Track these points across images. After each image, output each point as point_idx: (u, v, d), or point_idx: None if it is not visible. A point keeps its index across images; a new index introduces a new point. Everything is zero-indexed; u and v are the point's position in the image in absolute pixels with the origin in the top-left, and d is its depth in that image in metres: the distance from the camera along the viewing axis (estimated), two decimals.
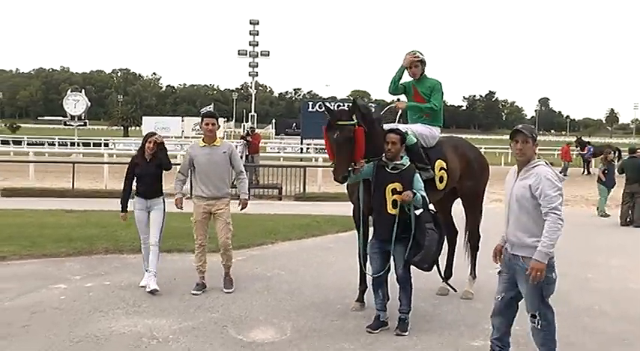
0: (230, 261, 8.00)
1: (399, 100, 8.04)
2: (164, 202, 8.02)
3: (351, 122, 6.48)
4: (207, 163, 7.74)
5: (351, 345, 6.08)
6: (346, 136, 6.42)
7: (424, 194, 6.36)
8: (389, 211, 6.35)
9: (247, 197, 8.10)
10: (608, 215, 16.19)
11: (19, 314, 6.83)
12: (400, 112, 7.62)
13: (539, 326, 5.22)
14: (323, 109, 7.30)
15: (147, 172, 7.93)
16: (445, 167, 7.33)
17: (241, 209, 7.95)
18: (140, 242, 8.17)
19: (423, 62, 7.55)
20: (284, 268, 9.14)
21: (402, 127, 7.03)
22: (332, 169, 6.64)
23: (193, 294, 7.66)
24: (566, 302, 7.13)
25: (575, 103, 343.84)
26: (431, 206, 6.51)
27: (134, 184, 8.02)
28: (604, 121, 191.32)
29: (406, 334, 6.35)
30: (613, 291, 8.48)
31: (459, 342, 6.22)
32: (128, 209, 8.01)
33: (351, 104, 6.80)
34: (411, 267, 6.43)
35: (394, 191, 6.31)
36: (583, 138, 39.70)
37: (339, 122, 6.47)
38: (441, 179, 7.28)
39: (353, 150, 6.46)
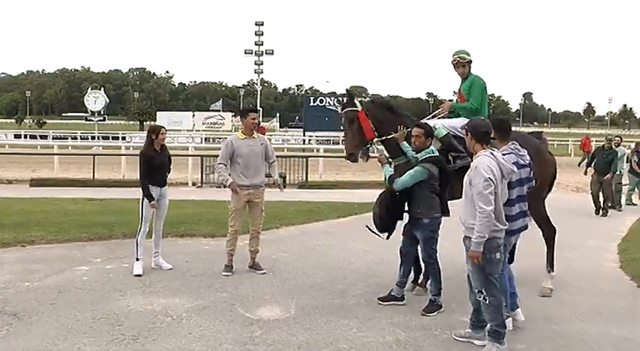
0: (259, 245, 8.00)
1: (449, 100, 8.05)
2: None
3: (354, 108, 7.02)
4: (249, 153, 7.67)
5: (350, 321, 6.07)
6: (349, 118, 7.01)
7: (401, 177, 6.39)
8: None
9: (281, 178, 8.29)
10: (635, 204, 15.95)
11: (48, 293, 6.86)
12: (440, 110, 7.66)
13: (487, 302, 5.30)
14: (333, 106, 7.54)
15: (161, 163, 7.88)
16: None
17: (283, 188, 8.04)
18: (141, 229, 7.89)
19: (469, 62, 7.44)
20: (288, 250, 9.14)
21: (433, 121, 7.16)
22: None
23: (225, 275, 7.64)
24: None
25: (555, 96, 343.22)
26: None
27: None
28: (582, 114, 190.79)
29: (431, 315, 6.28)
30: (590, 269, 8.50)
31: (451, 318, 6.21)
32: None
33: (348, 95, 7.28)
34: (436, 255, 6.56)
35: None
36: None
37: (345, 109, 7.06)
38: None
39: (359, 131, 6.96)
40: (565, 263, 8.53)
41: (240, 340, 5.58)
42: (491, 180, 5.13)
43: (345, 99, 7.22)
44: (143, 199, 7.87)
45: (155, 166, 7.85)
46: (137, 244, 7.85)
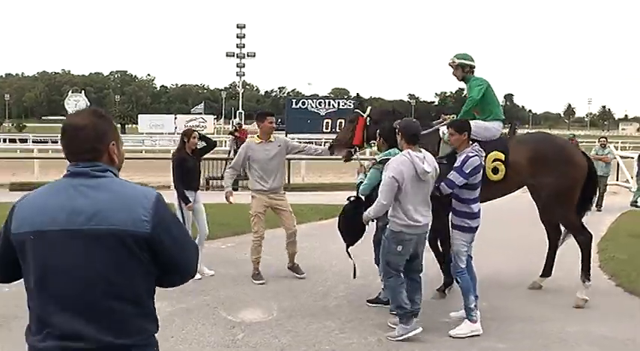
0: (296, 248, 7.89)
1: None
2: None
3: (360, 112, 7.47)
4: (265, 158, 7.55)
5: (332, 323, 6.11)
6: (351, 118, 7.52)
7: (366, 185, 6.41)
8: None
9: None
10: None
11: (15, 299, 6.73)
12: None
13: (385, 285, 6.02)
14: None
15: (194, 166, 7.76)
16: (502, 159, 6.89)
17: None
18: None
19: (461, 65, 7.24)
20: (270, 253, 9.08)
21: (444, 128, 6.96)
22: None
23: (260, 284, 7.49)
24: (530, 279, 7.22)
25: (536, 98, 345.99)
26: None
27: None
28: (562, 115, 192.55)
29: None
30: (569, 268, 8.55)
31: (432, 319, 6.24)
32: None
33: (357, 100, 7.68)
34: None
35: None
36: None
37: (354, 110, 7.59)
38: (495, 170, 6.88)
39: (352, 133, 7.30)
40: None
41: (223, 343, 5.58)
42: (395, 179, 5.48)
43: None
44: (180, 204, 7.63)
45: (188, 169, 7.69)
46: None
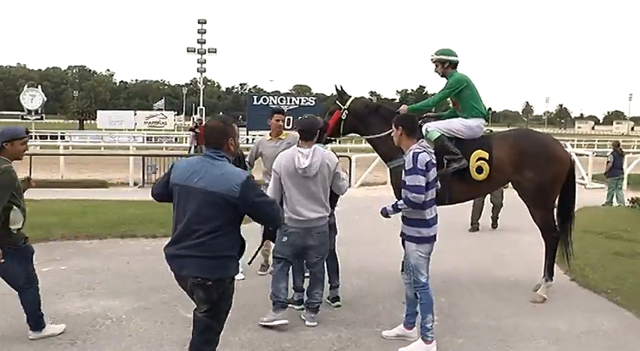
0: None
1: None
2: None
3: (339, 105, 7.25)
4: (272, 155, 7.31)
5: (291, 320, 6.05)
6: (330, 110, 7.39)
7: None
8: None
9: None
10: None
11: None
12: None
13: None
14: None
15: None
16: (486, 157, 6.86)
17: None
18: None
19: (440, 62, 7.17)
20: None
21: (427, 124, 7.04)
22: None
23: (261, 274, 7.65)
24: (488, 275, 7.31)
25: (495, 96, 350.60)
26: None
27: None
28: (521, 113, 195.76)
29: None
30: (525, 264, 8.73)
31: (392, 315, 6.28)
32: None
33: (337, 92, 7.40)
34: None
35: None
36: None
37: (337, 101, 7.30)
38: (480, 169, 6.86)
39: (327, 123, 7.07)
40: (501, 259, 8.78)
41: (181, 342, 5.48)
42: (275, 172, 5.82)
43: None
44: None
45: None
46: None
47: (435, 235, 5.46)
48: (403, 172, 5.40)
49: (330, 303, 6.55)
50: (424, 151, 5.36)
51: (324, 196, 5.82)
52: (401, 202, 5.37)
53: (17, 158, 5.40)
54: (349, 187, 7.34)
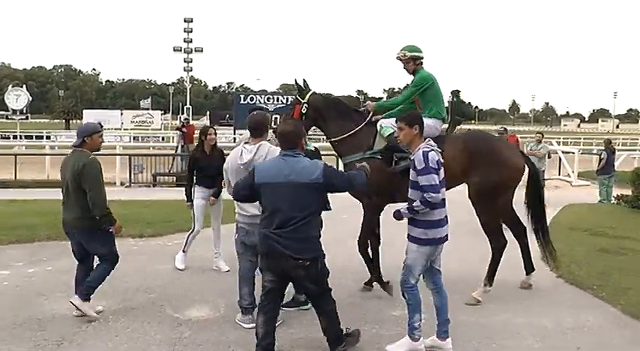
0: None
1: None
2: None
3: (300, 99, 7.14)
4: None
5: (280, 318, 6.06)
6: (292, 104, 7.36)
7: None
8: None
9: None
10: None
11: None
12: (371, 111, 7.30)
13: None
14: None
15: (208, 165, 7.85)
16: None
17: None
18: (193, 229, 8.08)
19: (412, 58, 7.03)
20: (222, 249, 8.99)
21: (382, 120, 6.96)
22: None
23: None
24: (477, 274, 7.31)
25: (482, 94, 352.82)
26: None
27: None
28: (507, 111, 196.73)
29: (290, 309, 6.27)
30: (512, 262, 8.75)
31: (383, 312, 6.31)
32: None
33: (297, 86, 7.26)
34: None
35: None
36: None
37: (298, 96, 7.21)
38: None
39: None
40: (487, 257, 8.76)
41: (169, 341, 5.51)
42: (226, 169, 5.92)
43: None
44: (193, 200, 8.06)
45: (201, 167, 7.93)
46: (186, 239, 8.12)
47: (442, 237, 5.29)
48: (412, 172, 5.25)
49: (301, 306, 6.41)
50: (432, 149, 5.26)
51: None
52: (416, 203, 5.16)
53: (97, 150, 6.17)
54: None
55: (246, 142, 5.91)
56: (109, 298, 6.66)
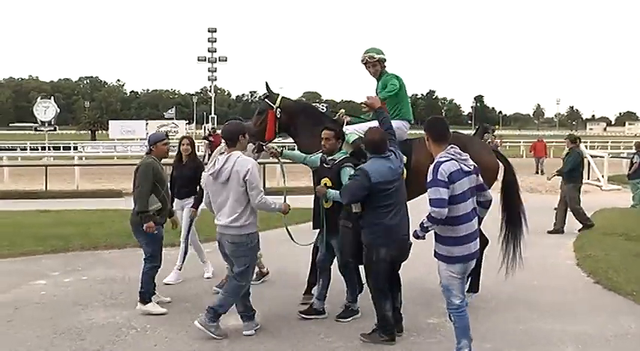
0: None
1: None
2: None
3: (269, 103, 6.88)
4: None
5: (316, 328, 6.07)
6: (260, 109, 7.00)
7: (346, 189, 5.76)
8: (323, 205, 6.24)
9: None
10: None
11: (4, 310, 6.65)
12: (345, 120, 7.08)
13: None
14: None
15: (181, 174, 7.85)
16: (404, 161, 6.36)
17: None
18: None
19: (379, 61, 6.96)
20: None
21: (346, 127, 6.77)
22: None
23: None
24: (511, 278, 7.20)
25: (506, 99, 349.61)
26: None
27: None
28: (531, 116, 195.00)
29: (346, 320, 6.23)
30: (548, 267, 8.68)
31: (419, 319, 6.26)
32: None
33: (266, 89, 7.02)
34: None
35: (326, 185, 6.08)
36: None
37: (263, 99, 6.99)
38: None
39: (262, 126, 6.88)
40: (523, 262, 8.66)
41: (209, 350, 5.50)
42: (203, 177, 6.08)
43: (266, 91, 7.03)
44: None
45: (174, 177, 7.92)
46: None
47: (471, 254, 4.95)
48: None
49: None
50: (451, 159, 4.91)
51: (238, 204, 5.64)
52: (424, 219, 4.91)
53: (164, 156, 6.89)
54: None
55: (222, 153, 5.90)
56: None
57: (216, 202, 5.79)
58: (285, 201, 6.30)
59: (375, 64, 6.98)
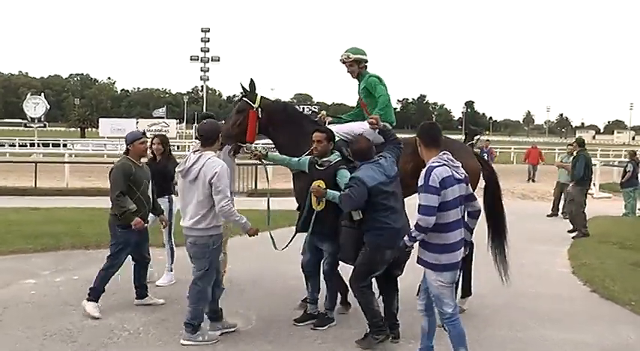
0: None
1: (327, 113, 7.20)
2: (170, 201, 7.77)
3: (249, 102, 6.51)
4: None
5: (313, 332, 5.97)
6: (240, 109, 6.54)
7: (344, 190, 5.60)
8: (313, 207, 6.01)
9: None
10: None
11: None
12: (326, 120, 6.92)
13: None
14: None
15: (155, 172, 7.38)
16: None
17: None
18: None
19: (356, 61, 6.75)
20: (243, 260, 8.92)
21: (331, 127, 6.56)
22: None
23: None
24: (505, 287, 7.15)
25: (496, 105, 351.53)
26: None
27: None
28: (521, 122, 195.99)
29: (322, 328, 6.05)
30: (544, 275, 8.63)
31: (415, 327, 6.16)
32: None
33: (250, 85, 6.64)
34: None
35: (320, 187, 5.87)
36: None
37: (242, 98, 6.60)
38: None
39: (242, 127, 6.48)
40: (519, 269, 8.60)
41: None
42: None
43: (247, 88, 6.61)
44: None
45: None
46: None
47: (458, 262, 4.86)
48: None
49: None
50: (443, 164, 4.79)
51: (201, 206, 5.51)
52: (413, 228, 4.80)
53: (142, 155, 6.75)
54: None
55: (195, 151, 5.71)
56: (138, 309, 6.59)
57: (184, 202, 5.65)
58: (269, 203, 6.20)
59: (351, 64, 6.78)
